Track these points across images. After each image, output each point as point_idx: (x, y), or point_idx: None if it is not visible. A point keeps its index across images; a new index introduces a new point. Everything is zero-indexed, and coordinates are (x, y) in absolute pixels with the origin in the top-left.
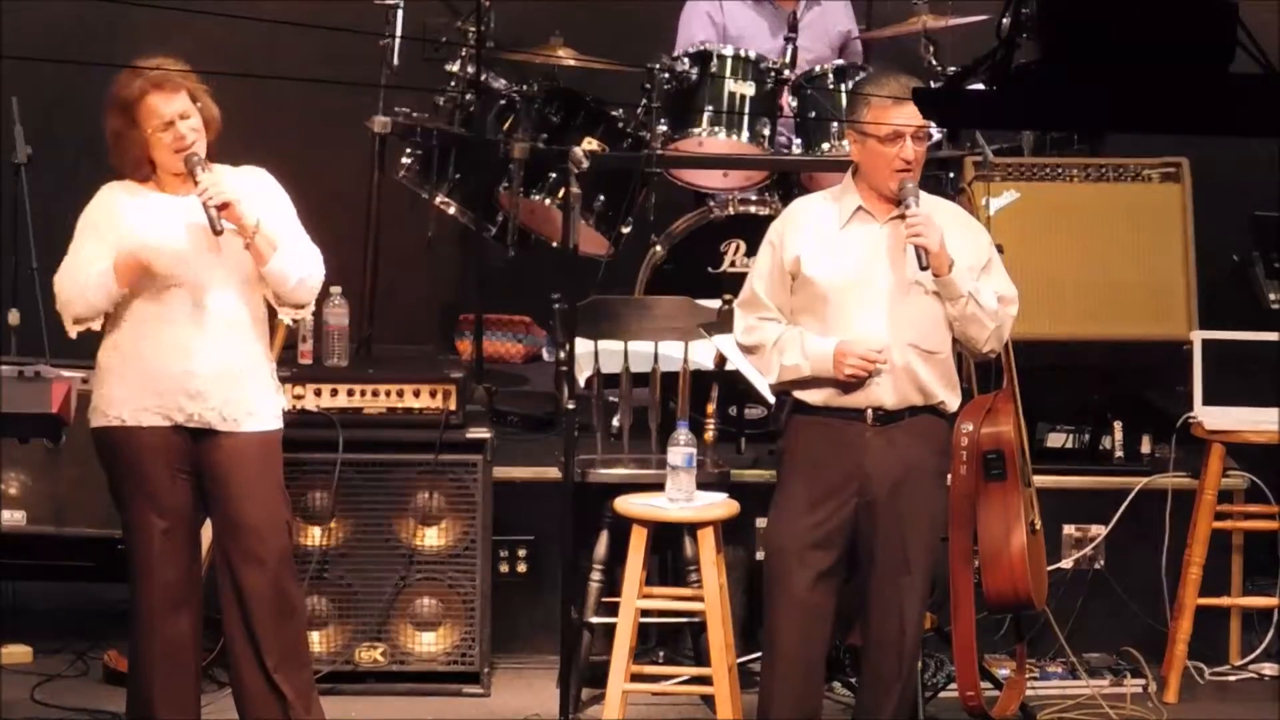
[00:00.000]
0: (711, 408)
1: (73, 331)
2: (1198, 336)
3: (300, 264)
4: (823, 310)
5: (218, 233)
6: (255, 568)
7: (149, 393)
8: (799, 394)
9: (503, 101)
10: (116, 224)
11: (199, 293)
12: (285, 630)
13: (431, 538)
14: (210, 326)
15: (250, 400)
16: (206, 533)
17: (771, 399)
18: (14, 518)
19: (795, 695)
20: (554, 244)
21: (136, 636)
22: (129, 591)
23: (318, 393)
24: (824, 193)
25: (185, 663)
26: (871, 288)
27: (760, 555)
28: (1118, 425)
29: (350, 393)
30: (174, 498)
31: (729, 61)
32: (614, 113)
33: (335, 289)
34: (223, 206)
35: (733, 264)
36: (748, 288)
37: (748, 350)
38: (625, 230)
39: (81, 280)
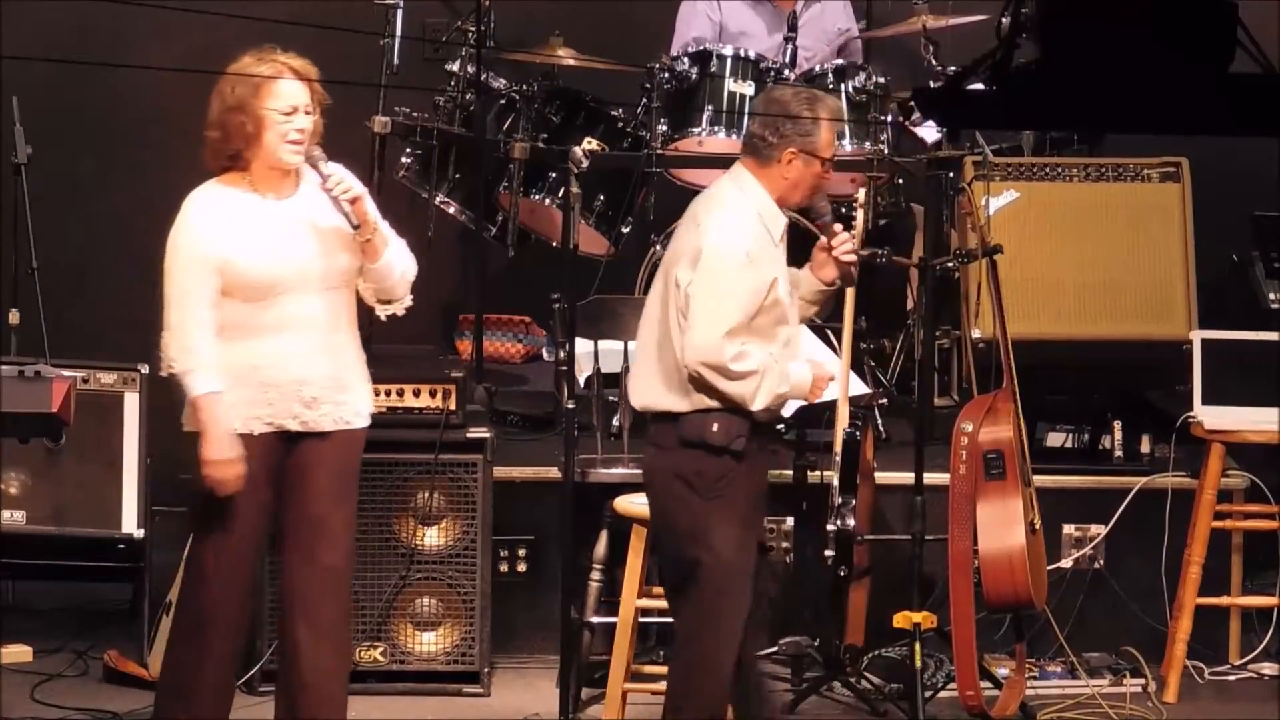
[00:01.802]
0: None
1: (166, 373)
2: (1198, 336)
3: (402, 258)
4: (775, 332)
5: (355, 227)
6: (335, 559)
7: (261, 402)
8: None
9: (503, 101)
10: (223, 241)
11: (307, 297)
12: (347, 626)
13: (431, 538)
14: (320, 332)
15: (360, 401)
16: None
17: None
18: (14, 518)
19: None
20: (554, 244)
21: (178, 641)
22: (186, 592)
23: None
24: (742, 212)
25: (229, 680)
26: (792, 302)
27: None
28: (1117, 425)
29: None
30: (265, 500)
31: (729, 61)
32: (614, 113)
33: None
34: (354, 200)
35: None
36: (729, 313)
37: (737, 377)
38: (625, 230)
39: (197, 352)
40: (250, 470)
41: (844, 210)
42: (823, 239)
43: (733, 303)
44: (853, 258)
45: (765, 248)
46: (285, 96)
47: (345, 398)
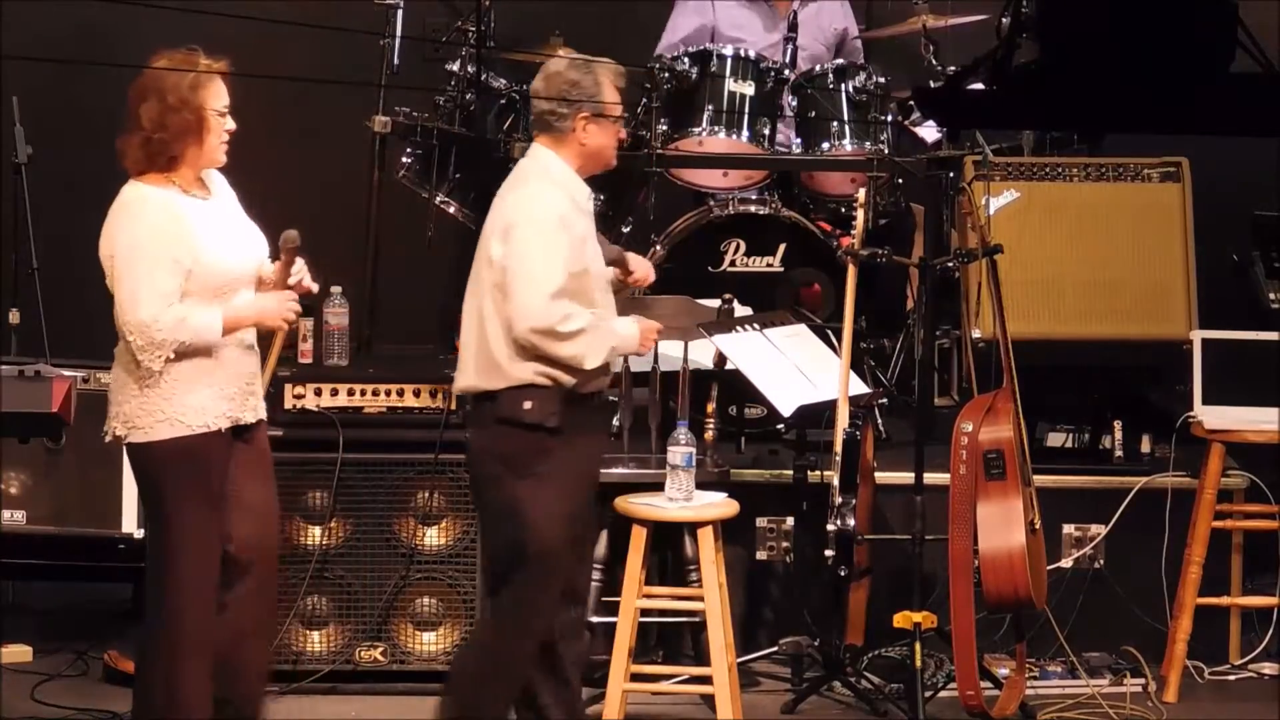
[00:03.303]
0: (711, 407)
1: (160, 365)
2: (1198, 336)
3: None
4: (592, 297)
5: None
6: (270, 549)
7: (223, 398)
8: (565, 380)
9: (503, 101)
10: (188, 246)
11: (246, 292)
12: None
13: (431, 537)
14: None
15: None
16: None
17: (785, 408)
18: (14, 518)
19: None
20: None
21: (184, 655)
22: (169, 596)
23: (318, 392)
24: (545, 185)
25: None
26: (601, 273)
27: (761, 555)
28: (1118, 425)
29: (350, 393)
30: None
31: (729, 61)
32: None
33: (335, 289)
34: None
35: (733, 264)
36: (551, 276)
37: (567, 338)
38: (625, 230)
39: (177, 328)
40: (218, 467)
41: (844, 210)
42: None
43: (552, 265)
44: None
45: (573, 214)
46: (223, 96)
47: (260, 386)
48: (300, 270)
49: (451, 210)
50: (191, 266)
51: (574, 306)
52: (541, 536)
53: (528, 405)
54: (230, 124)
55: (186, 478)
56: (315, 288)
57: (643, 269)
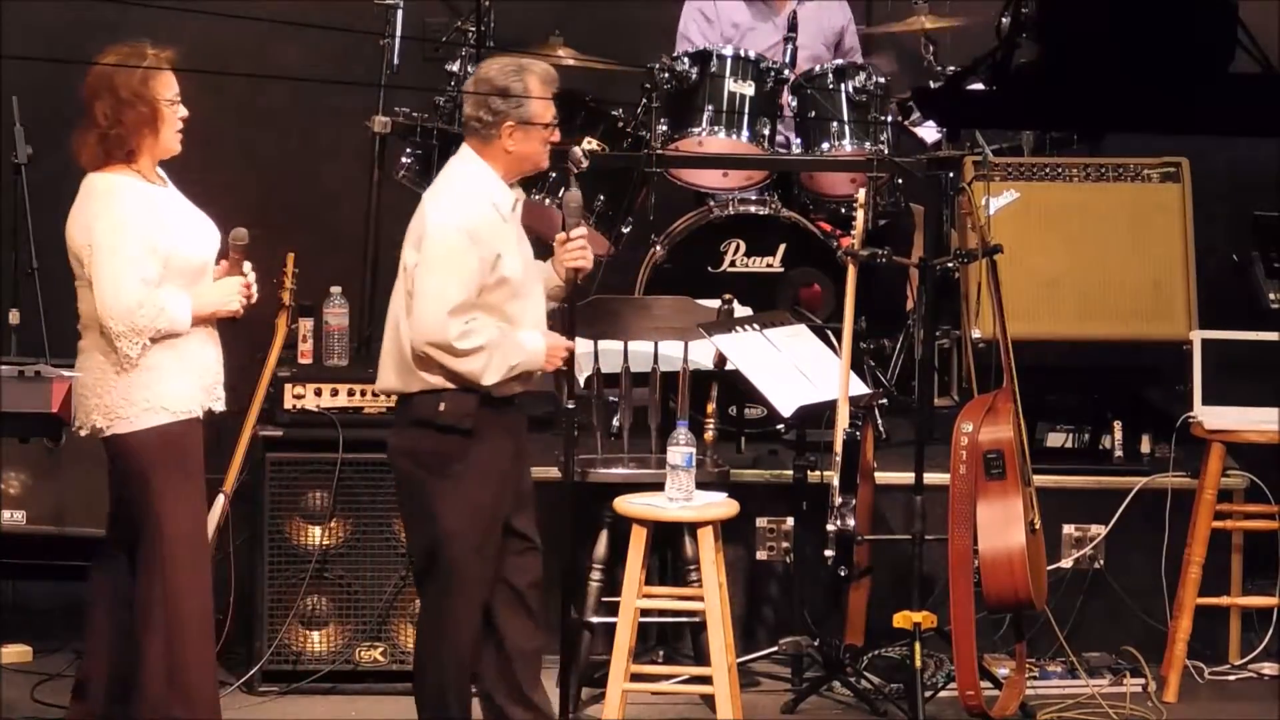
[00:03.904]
0: (711, 407)
1: (137, 352)
2: (1198, 336)
3: None
4: (507, 306)
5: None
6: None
7: (198, 385)
8: (476, 386)
9: None
10: (163, 233)
11: (209, 278)
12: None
13: None
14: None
15: None
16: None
17: (786, 408)
18: (14, 518)
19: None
20: (554, 244)
21: (192, 640)
22: (171, 590)
23: (318, 392)
24: (466, 192)
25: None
26: (532, 279)
27: (761, 555)
28: (1118, 425)
29: (350, 393)
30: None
31: (729, 61)
32: (614, 113)
33: (335, 289)
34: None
35: (733, 264)
36: (453, 292)
37: (463, 355)
38: (625, 230)
39: (158, 315)
40: (198, 454)
41: (844, 210)
42: (561, 234)
43: (455, 281)
44: (580, 263)
45: (492, 225)
46: (173, 85)
47: (222, 374)
48: (249, 273)
49: None
50: (168, 253)
51: (479, 322)
52: (455, 538)
53: (442, 407)
54: (183, 111)
55: (174, 466)
56: (255, 298)
57: (576, 249)
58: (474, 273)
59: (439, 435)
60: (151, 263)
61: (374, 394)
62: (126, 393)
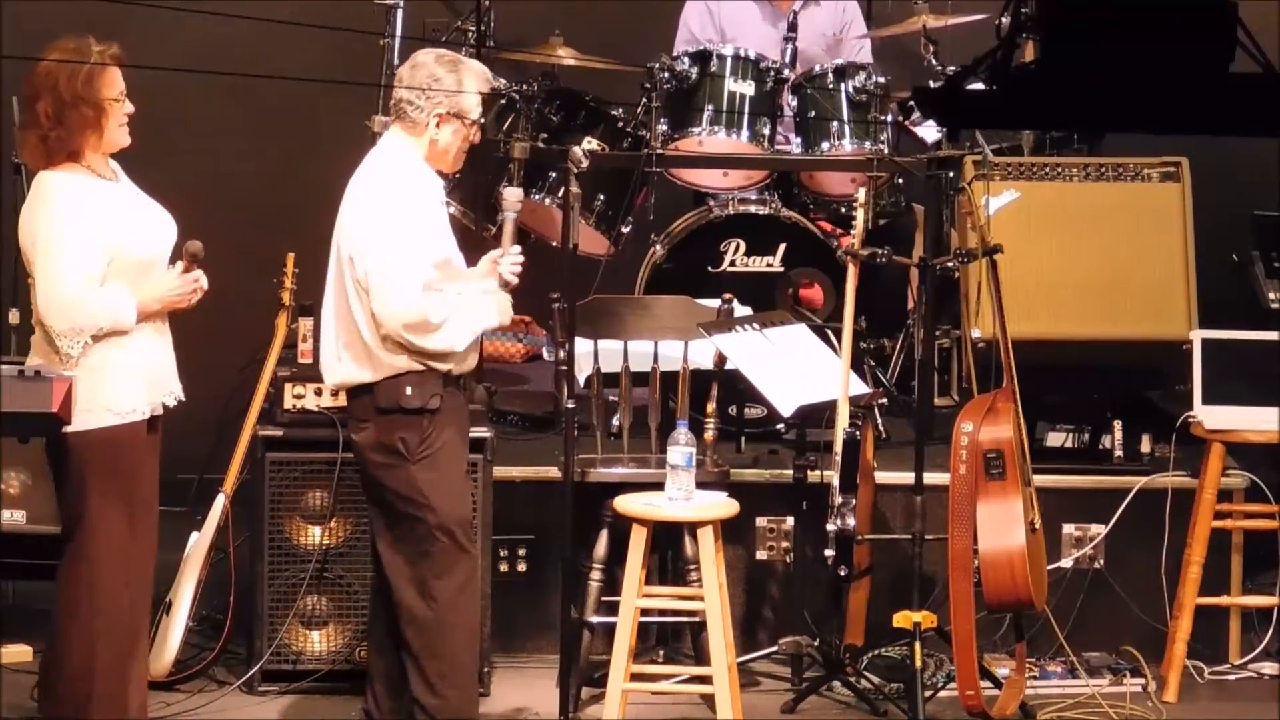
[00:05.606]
0: (711, 407)
1: (78, 351)
2: (1198, 336)
3: None
4: (447, 288)
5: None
6: (152, 542)
7: (144, 385)
8: (439, 366)
9: (503, 101)
10: (110, 228)
11: (160, 275)
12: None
13: None
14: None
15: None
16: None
17: (786, 408)
18: (14, 518)
19: None
20: (554, 244)
21: (109, 644)
22: (87, 588)
23: (318, 392)
24: (398, 176)
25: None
26: (462, 269)
27: (761, 555)
28: (1118, 425)
29: None
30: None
31: (729, 61)
32: (614, 112)
33: None
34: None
35: (733, 264)
36: (414, 271)
37: (436, 328)
38: (625, 230)
39: (98, 313)
40: (141, 462)
41: (844, 210)
42: (497, 252)
43: (414, 260)
44: (513, 280)
45: (434, 205)
46: (118, 82)
47: (174, 367)
48: (199, 279)
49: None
50: (114, 249)
51: (436, 294)
52: (447, 514)
53: (409, 391)
54: (129, 106)
55: (109, 469)
56: (204, 290)
57: (516, 264)
58: (426, 248)
59: (408, 419)
60: (95, 259)
61: (332, 393)
62: (79, 389)
